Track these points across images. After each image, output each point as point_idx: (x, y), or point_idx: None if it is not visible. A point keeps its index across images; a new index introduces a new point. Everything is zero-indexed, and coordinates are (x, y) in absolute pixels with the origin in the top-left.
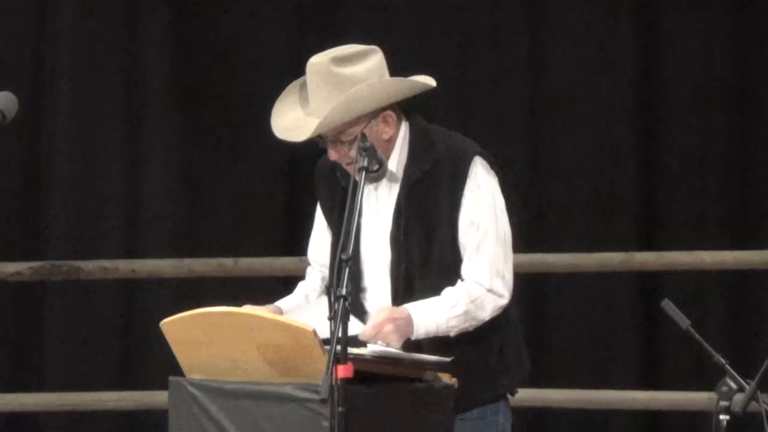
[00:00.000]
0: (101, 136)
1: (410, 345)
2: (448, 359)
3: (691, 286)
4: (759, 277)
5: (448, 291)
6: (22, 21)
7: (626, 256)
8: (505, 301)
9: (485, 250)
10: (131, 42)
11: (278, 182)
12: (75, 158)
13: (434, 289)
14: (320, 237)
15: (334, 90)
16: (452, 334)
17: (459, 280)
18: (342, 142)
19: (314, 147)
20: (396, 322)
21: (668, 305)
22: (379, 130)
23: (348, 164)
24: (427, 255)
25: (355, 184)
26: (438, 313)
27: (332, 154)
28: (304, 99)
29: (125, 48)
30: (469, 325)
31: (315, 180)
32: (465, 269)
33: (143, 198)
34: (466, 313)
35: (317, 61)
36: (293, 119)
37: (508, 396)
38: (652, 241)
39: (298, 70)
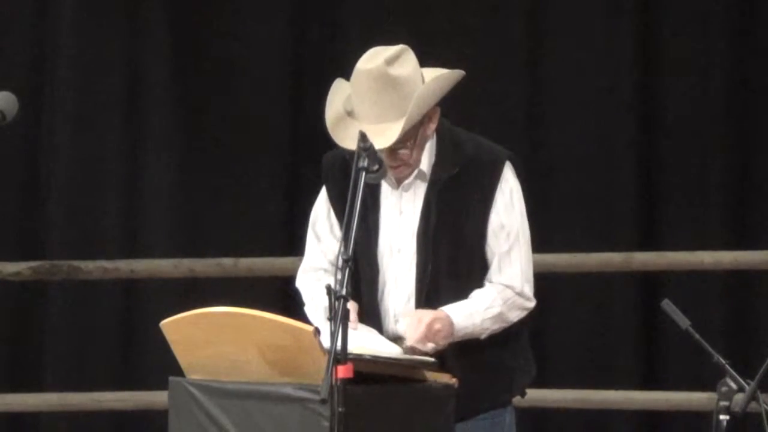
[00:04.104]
0: (101, 136)
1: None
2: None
3: (691, 286)
4: (759, 277)
5: (480, 293)
6: (23, 21)
7: (626, 256)
8: (532, 304)
9: (516, 255)
10: (131, 42)
11: (278, 182)
12: (75, 158)
13: (461, 291)
14: (332, 241)
15: (395, 92)
16: (483, 336)
17: (487, 283)
18: (402, 147)
19: (316, 147)
20: (441, 322)
21: (668, 305)
22: (426, 128)
23: (396, 167)
24: (455, 256)
25: (355, 184)
26: (474, 314)
27: (388, 156)
28: (348, 103)
29: (125, 48)
30: (499, 326)
31: (324, 177)
32: (494, 272)
33: (143, 198)
34: (500, 315)
35: (371, 66)
36: (346, 123)
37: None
38: (652, 241)
39: (298, 71)
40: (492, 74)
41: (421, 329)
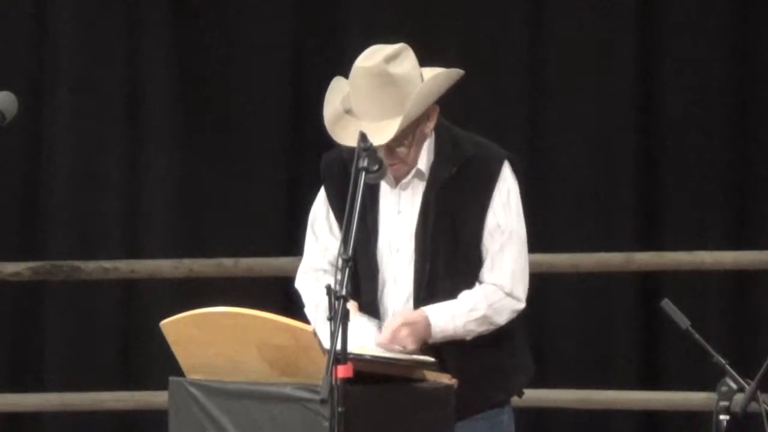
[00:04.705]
0: (101, 136)
1: (428, 347)
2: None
3: (691, 286)
4: (759, 277)
5: (466, 294)
6: (22, 21)
7: (626, 256)
8: (522, 306)
9: (508, 254)
10: (131, 41)
11: (278, 182)
12: (75, 158)
13: (459, 291)
14: (331, 241)
15: (393, 90)
16: (469, 338)
17: (477, 283)
18: (398, 145)
19: (315, 147)
20: (412, 326)
21: (668, 305)
22: (424, 127)
23: (393, 165)
24: (452, 255)
25: (355, 184)
26: (456, 317)
27: (386, 154)
28: (347, 101)
29: (125, 47)
30: (485, 329)
31: (323, 177)
32: (486, 271)
33: (143, 198)
34: (484, 317)
35: (370, 64)
36: (345, 121)
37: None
38: (652, 241)
39: (298, 71)
40: (492, 74)
41: (385, 335)
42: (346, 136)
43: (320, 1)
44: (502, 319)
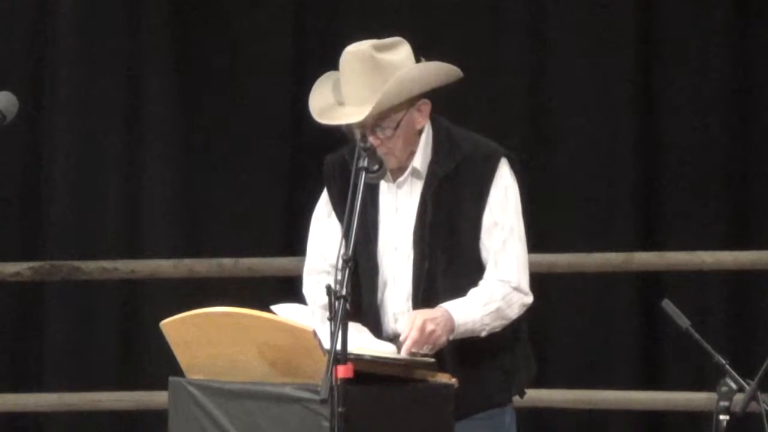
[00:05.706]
0: (101, 137)
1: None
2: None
3: (691, 286)
4: (759, 277)
5: (477, 290)
6: (22, 21)
7: (626, 256)
8: (530, 299)
9: (511, 249)
10: (131, 41)
11: (278, 182)
12: (75, 158)
13: (458, 289)
14: (333, 243)
15: (378, 75)
16: (483, 334)
17: (482, 280)
18: (382, 129)
19: (315, 147)
20: (435, 322)
21: (668, 305)
22: (413, 119)
23: (386, 153)
24: (451, 254)
25: (355, 184)
26: (473, 311)
27: (374, 142)
28: (337, 89)
29: (125, 47)
30: (499, 324)
31: (326, 179)
32: (491, 269)
33: (143, 198)
34: (498, 311)
35: (357, 49)
36: (332, 107)
37: (517, 396)
38: (652, 241)
39: (298, 70)
40: (492, 74)
41: (414, 335)
42: (326, 115)
43: (321, 3)
44: (513, 312)
